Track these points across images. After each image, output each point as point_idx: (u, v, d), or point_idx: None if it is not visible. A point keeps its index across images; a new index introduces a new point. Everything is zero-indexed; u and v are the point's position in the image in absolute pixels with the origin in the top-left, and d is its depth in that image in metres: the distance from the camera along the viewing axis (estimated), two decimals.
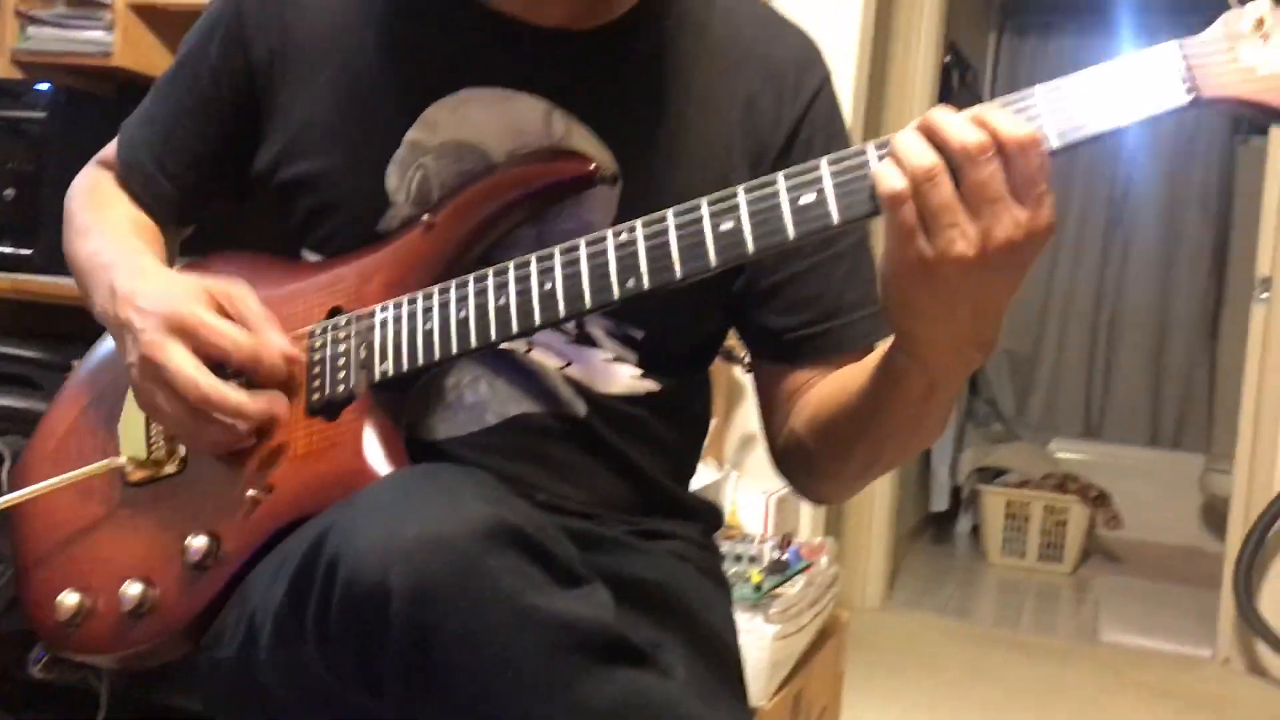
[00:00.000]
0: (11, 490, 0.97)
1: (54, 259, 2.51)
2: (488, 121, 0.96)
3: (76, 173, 2.41)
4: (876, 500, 3.37)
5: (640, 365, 0.99)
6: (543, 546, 0.69)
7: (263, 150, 1.01)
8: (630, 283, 0.82)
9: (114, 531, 0.93)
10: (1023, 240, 0.72)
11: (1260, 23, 0.72)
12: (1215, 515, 4.64)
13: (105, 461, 0.94)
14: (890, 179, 0.73)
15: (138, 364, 0.89)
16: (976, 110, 0.73)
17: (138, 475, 0.94)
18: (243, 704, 0.86)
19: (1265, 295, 3.18)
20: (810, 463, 0.99)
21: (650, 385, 0.99)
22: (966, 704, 2.75)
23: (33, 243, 2.52)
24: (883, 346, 0.87)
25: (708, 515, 1.08)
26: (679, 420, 1.04)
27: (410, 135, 0.96)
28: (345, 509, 0.72)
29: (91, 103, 2.63)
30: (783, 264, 0.99)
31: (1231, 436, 4.31)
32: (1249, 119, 0.76)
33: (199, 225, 1.16)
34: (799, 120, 1.00)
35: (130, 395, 0.97)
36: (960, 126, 0.72)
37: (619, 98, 0.97)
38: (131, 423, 0.95)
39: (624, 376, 0.98)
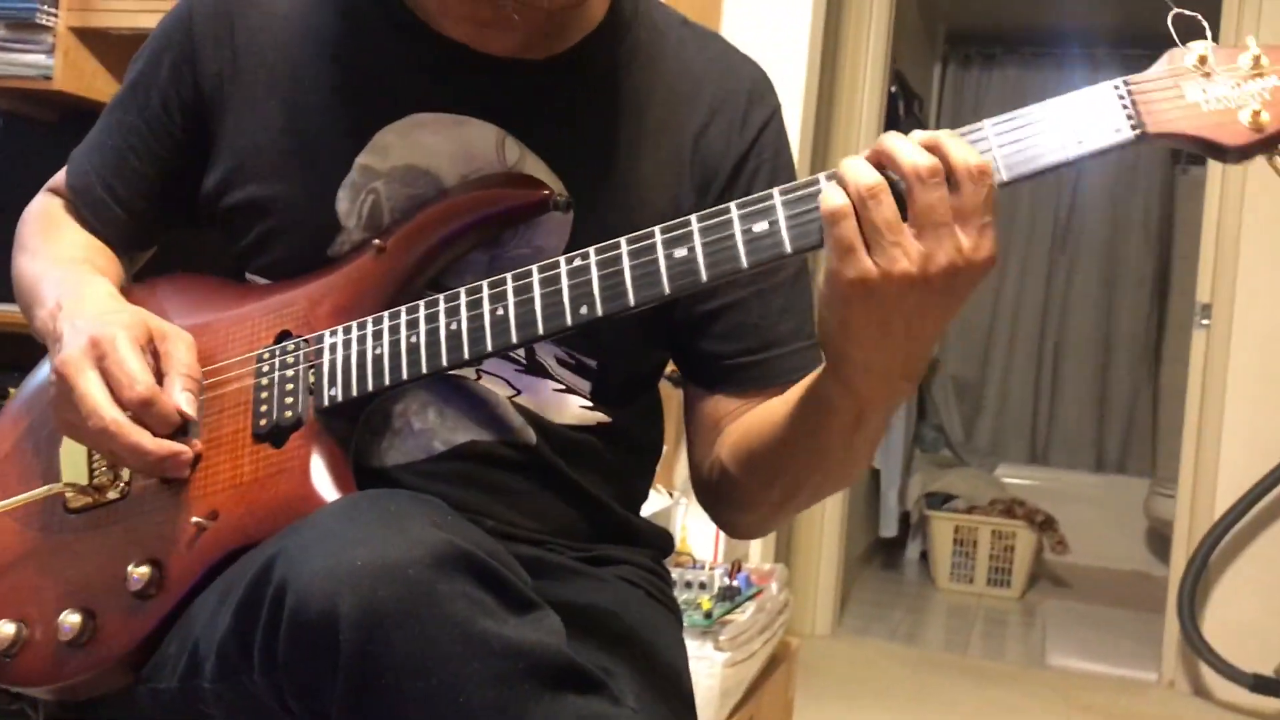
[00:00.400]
0: None
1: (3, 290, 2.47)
2: (439, 146, 0.95)
3: (16, 198, 2.36)
4: (826, 526, 3.38)
5: (591, 396, 0.98)
6: (494, 572, 0.69)
7: (210, 173, 0.99)
8: (584, 310, 0.81)
9: (53, 559, 0.91)
10: (963, 267, 0.73)
11: (1203, 60, 0.74)
12: (1160, 539, 4.71)
13: (45, 488, 0.92)
14: (832, 197, 0.74)
15: (54, 380, 0.87)
16: (931, 135, 0.74)
17: (79, 502, 0.92)
18: None
19: (1205, 322, 3.24)
20: (733, 492, 0.99)
21: (599, 416, 0.99)
22: None
23: None
24: (810, 377, 0.87)
25: (658, 541, 1.08)
26: (630, 448, 1.04)
27: (361, 159, 0.95)
28: (292, 535, 0.71)
29: (32, 127, 2.59)
30: (722, 290, 0.99)
31: (1175, 461, 4.38)
32: (1188, 153, 0.77)
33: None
34: (747, 151, 1.01)
35: None
36: (912, 150, 0.73)
37: (570, 127, 0.98)
38: (72, 447, 0.93)
39: (574, 406, 0.97)
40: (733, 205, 0.79)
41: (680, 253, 0.79)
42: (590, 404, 0.98)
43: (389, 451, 0.93)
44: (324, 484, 0.84)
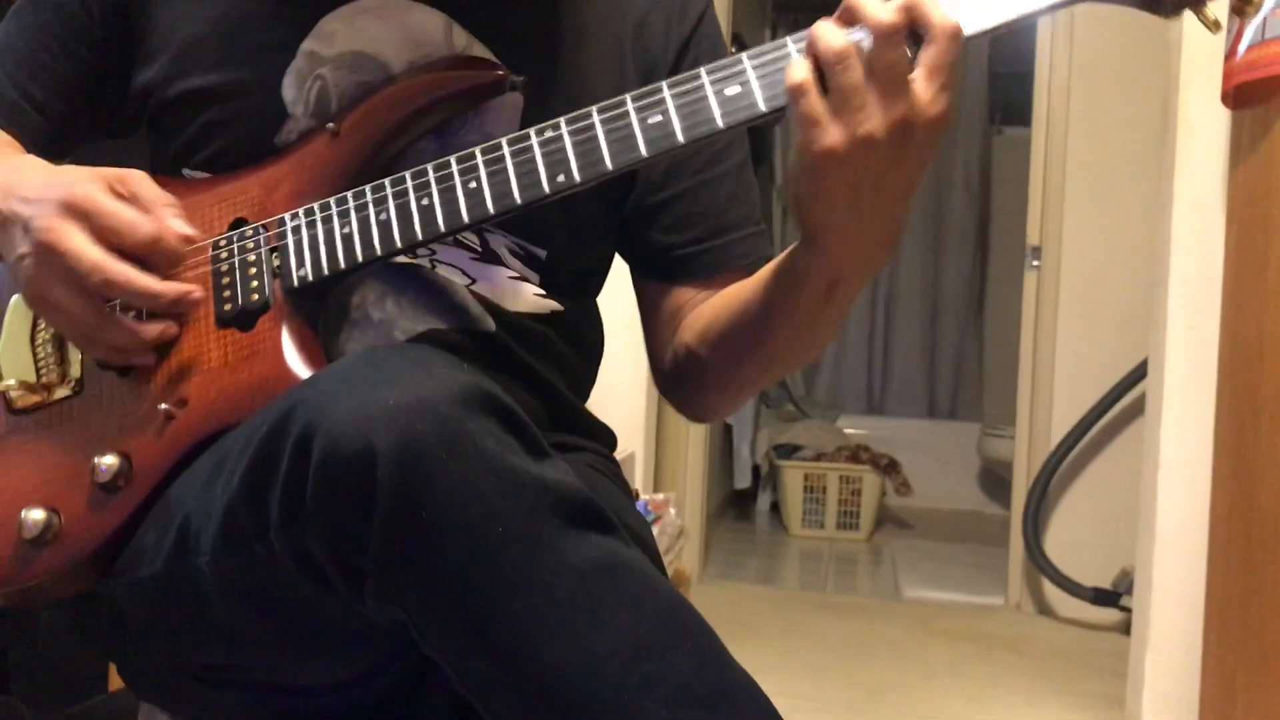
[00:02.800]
0: None
1: None
2: (386, 32, 0.94)
3: None
4: (689, 478, 3.44)
5: (542, 285, 0.99)
6: (516, 415, 0.69)
7: (144, 69, 0.96)
8: (560, 177, 0.82)
9: (6, 459, 0.86)
10: (918, 123, 0.75)
11: None
12: (992, 479, 4.97)
13: None
14: (796, 70, 0.76)
15: (32, 254, 0.82)
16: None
17: (27, 400, 0.88)
18: (166, 625, 0.82)
19: (1036, 263, 3.42)
20: (702, 373, 1.01)
21: (553, 304, 1.00)
22: (790, 661, 2.85)
23: None
24: (783, 253, 0.89)
25: (606, 435, 1.09)
26: (578, 342, 1.05)
27: (306, 46, 0.93)
28: (308, 388, 0.70)
29: None
30: (670, 181, 1.02)
31: (1001, 404, 4.61)
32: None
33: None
34: (686, 40, 1.03)
35: (9, 317, 0.90)
36: (879, 7, 0.75)
37: (515, 15, 0.98)
38: (14, 345, 0.89)
39: (528, 294, 0.98)
40: (703, 71, 0.81)
41: (655, 118, 0.81)
42: (543, 292, 0.99)
43: (348, 343, 0.92)
44: (298, 363, 0.83)
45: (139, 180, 0.87)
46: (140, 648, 0.86)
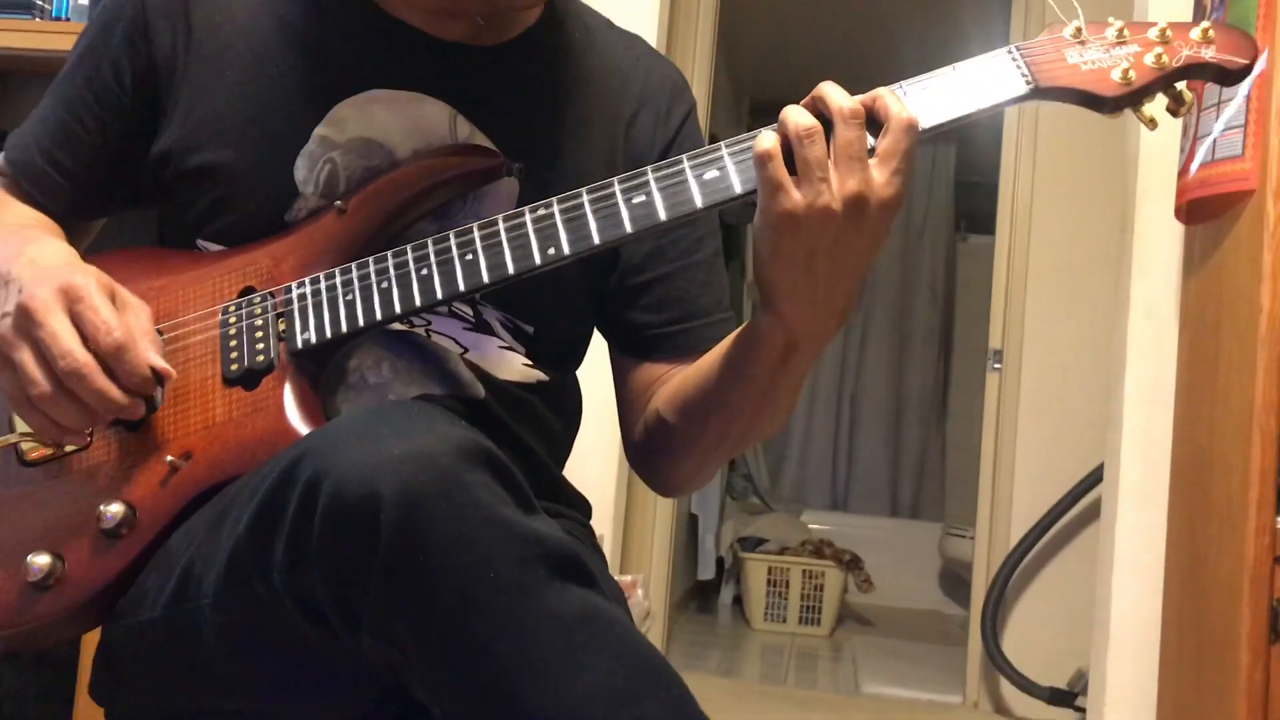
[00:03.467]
0: None
1: None
2: (394, 121, 1.01)
3: None
4: (655, 565, 3.47)
5: (529, 356, 1.05)
6: (509, 471, 0.74)
7: (163, 137, 1.01)
8: (551, 250, 0.88)
9: (15, 507, 0.90)
10: (872, 201, 0.82)
11: (1078, 31, 0.89)
12: (953, 579, 5.01)
13: (4, 437, 0.91)
14: (763, 140, 0.84)
15: (12, 314, 0.86)
16: (870, 93, 0.85)
17: (38, 453, 0.91)
18: (161, 668, 0.85)
19: (998, 365, 3.51)
20: (669, 440, 1.06)
21: (539, 374, 1.05)
22: None
23: None
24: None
25: (583, 505, 1.14)
26: (561, 411, 1.10)
27: (319, 130, 1.00)
28: (317, 437, 0.74)
29: None
30: (649, 265, 1.09)
31: (963, 504, 4.67)
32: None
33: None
34: (671, 140, 1.11)
35: None
36: (840, 95, 0.84)
37: (515, 109, 1.05)
38: None
39: (516, 363, 1.04)
40: (684, 157, 0.88)
41: (639, 198, 0.88)
42: (530, 363, 1.04)
43: (344, 405, 0.97)
44: (298, 419, 0.88)
45: (137, 310, 0.89)
46: (132, 692, 0.89)
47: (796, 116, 0.83)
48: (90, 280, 0.87)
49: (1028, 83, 0.87)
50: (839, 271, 0.86)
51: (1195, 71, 0.88)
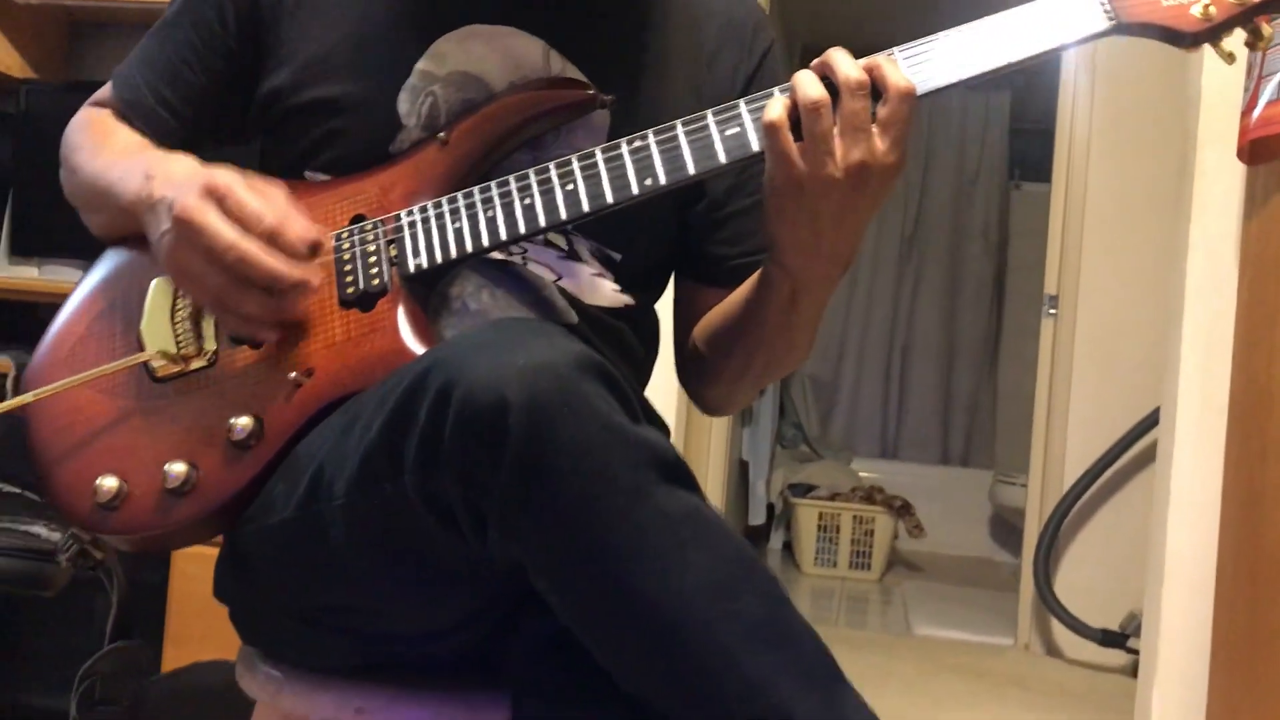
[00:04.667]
0: (17, 397, 0.99)
1: None
2: (491, 55, 1.05)
3: None
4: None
5: (617, 282, 1.10)
6: (619, 383, 0.79)
7: (273, 76, 1.07)
8: (648, 180, 0.93)
9: (147, 421, 0.96)
10: (874, 168, 0.88)
11: None
12: (1003, 527, 5.04)
13: (135, 356, 0.98)
14: (772, 109, 0.89)
15: (172, 228, 0.92)
16: (873, 57, 0.89)
17: (167, 370, 0.98)
18: (287, 568, 0.91)
19: (1053, 311, 3.52)
20: (702, 367, 1.16)
21: (627, 299, 1.10)
22: None
23: None
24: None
25: (664, 428, 1.19)
26: (644, 337, 1.16)
27: (420, 65, 1.05)
28: (445, 350, 0.80)
29: None
30: (731, 199, 1.14)
31: (1014, 452, 4.68)
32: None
33: None
34: (752, 75, 1.15)
35: (152, 296, 1.01)
36: (848, 64, 0.88)
37: (605, 43, 1.09)
38: (156, 321, 0.99)
39: (606, 289, 1.09)
40: (775, 89, 0.92)
41: (732, 129, 0.93)
42: (619, 288, 1.09)
43: (447, 330, 1.02)
44: (412, 339, 0.94)
45: (277, 188, 0.97)
46: (259, 591, 0.96)
47: (806, 88, 0.88)
48: (229, 175, 0.94)
49: (1110, 18, 0.90)
50: (841, 229, 0.92)
51: (1274, 5, 0.91)
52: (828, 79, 0.88)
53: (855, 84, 0.87)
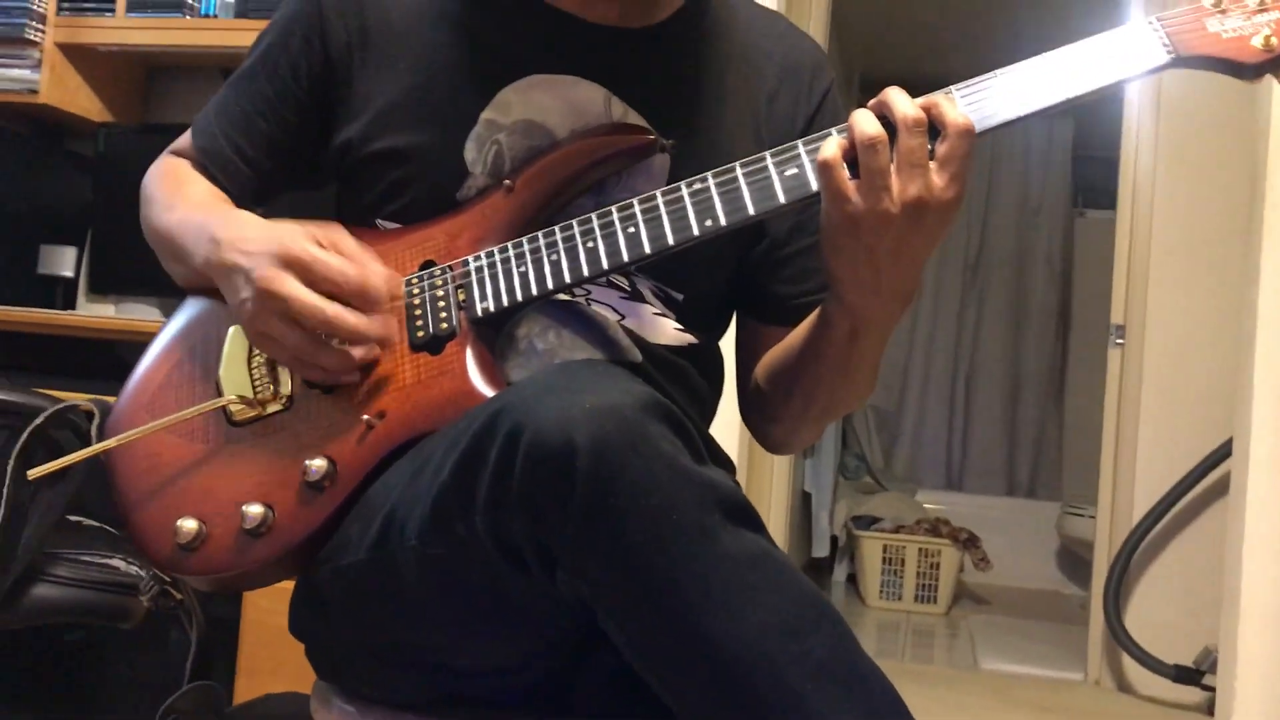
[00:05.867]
0: (101, 441, 1.03)
1: None
2: (553, 104, 1.08)
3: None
4: (773, 537, 3.51)
5: (679, 321, 1.11)
6: (684, 425, 0.80)
7: (345, 128, 1.10)
8: (709, 222, 0.95)
9: (225, 463, 1.00)
10: (931, 204, 0.88)
11: (1219, 1, 0.92)
12: (1070, 558, 4.96)
13: (216, 400, 1.01)
14: (826, 149, 0.90)
15: (253, 299, 0.96)
16: (932, 95, 0.90)
17: (244, 415, 1.01)
18: (365, 605, 0.93)
19: (1120, 341, 3.48)
20: (764, 405, 1.16)
21: (690, 337, 1.12)
22: None
23: None
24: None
25: (730, 466, 1.20)
26: (708, 374, 1.17)
27: (486, 114, 1.07)
28: (513, 394, 0.82)
29: (12, 139, 2.64)
30: (793, 239, 1.15)
31: (1081, 483, 4.61)
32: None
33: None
34: (814, 113, 1.16)
35: (229, 344, 1.04)
36: (905, 102, 0.89)
37: (664, 88, 1.11)
38: (234, 367, 1.03)
39: (669, 328, 1.10)
40: (833, 130, 0.93)
41: (791, 170, 0.94)
42: (681, 327, 1.11)
43: (514, 370, 1.04)
44: (480, 381, 0.96)
45: (340, 233, 1.01)
46: (332, 629, 0.98)
47: (864, 124, 0.88)
48: (301, 239, 0.98)
49: (1169, 52, 0.90)
50: (900, 264, 0.92)
51: None
52: (885, 118, 0.89)
53: (913, 121, 0.87)
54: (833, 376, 1.05)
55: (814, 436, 1.19)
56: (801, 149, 0.94)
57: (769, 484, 3.44)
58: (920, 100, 0.89)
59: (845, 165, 0.89)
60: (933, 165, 0.88)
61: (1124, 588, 3.35)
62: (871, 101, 0.90)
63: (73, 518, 1.55)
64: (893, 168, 0.87)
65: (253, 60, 1.16)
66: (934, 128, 0.88)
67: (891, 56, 5.31)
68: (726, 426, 1.20)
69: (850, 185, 0.88)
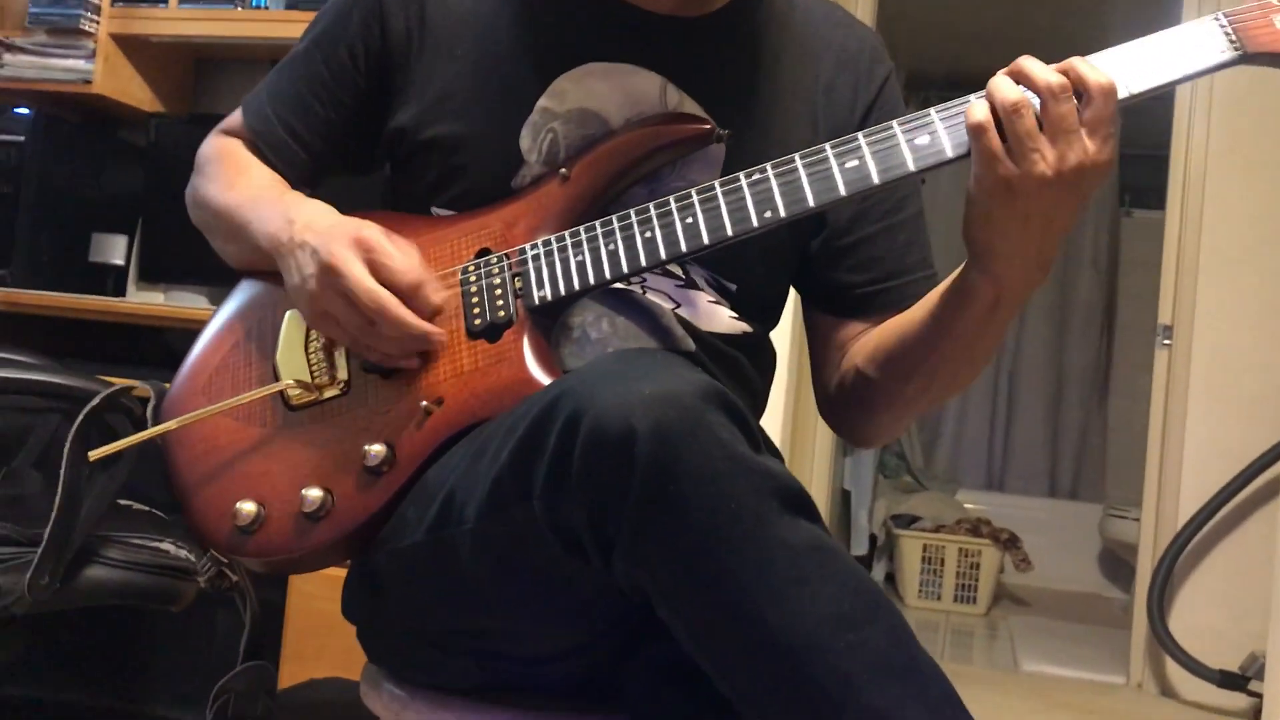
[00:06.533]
0: (157, 424, 1.04)
1: (29, 277, 2.53)
2: (609, 92, 1.08)
3: (50, 194, 2.51)
4: None
5: (734, 310, 1.11)
6: (742, 413, 0.80)
7: (400, 113, 1.10)
8: (768, 213, 0.94)
9: (283, 447, 1.00)
10: (1089, 167, 0.87)
11: None
12: (1113, 561, 4.91)
13: (274, 385, 1.02)
14: (976, 111, 0.88)
15: (317, 274, 0.97)
16: (1067, 61, 0.89)
17: (302, 399, 1.02)
18: (419, 590, 0.94)
19: (1167, 342, 3.44)
20: (869, 394, 1.11)
21: (744, 327, 1.11)
22: None
23: (6, 262, 2.54)
24: (951, 275, 1.01)
25: (779, 457, 1.19)
26: (760, 366, 1.16)
27: (542, 102, 1.07)
28: (573, 380, 0.82)
29: (61, 128, 2.67)
30: (855, 227, 1.14)
31: (1124, 485, 4.55)
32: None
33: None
34: (873, 101, 1.15)
35: (286, 329, 1.05)
36: (1045, 70, 0.88)
37: (721, 77, 1.11)
38: (291, 352, 1.03)
39: (723, 317, 1.10)
40: (894, 123, 0.93)
41: (851, 162, 0.93)
42: (736, 315, 1.10)
43: (570, 358, 1.04)
44: (537, 369, 0.96)
45: (410, 244, 1.03)
46: (386, 613, 0.99)
47: (1005, 90, 0.88)
48: (376, 231, 0.99)
49: (1235, 48, 0.89)
50: (1049, 231, 0.90)
51: None
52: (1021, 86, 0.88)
53: (1057, 87, 0.86)
54: (962, 353, 1.02)
55: (910, 424, 1.17)
56: (862, 140, 0.93)
57: (809, 481, 3.43)
58: (1057, 66, 0.88)
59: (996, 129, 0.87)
60: (1082, 130, 0.87)
61: (1168, 591, 3.31)
62: (1005, 70, 0.89)
63: (122, 501, 1.57)
64: (1044, 136, 0.86)
65: (308, 43, 1.16)
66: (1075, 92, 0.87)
67: (938, 53, 5.27)
68: (771, 419, 1.19)
69: (1002, 148, 0.87)
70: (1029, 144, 0.86)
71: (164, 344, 2.60)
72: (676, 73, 1.09)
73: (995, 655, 3.84)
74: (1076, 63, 0.88)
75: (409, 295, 0.98)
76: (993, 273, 0.94)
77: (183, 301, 2.62)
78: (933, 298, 1.03)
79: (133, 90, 2.66)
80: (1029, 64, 0.89)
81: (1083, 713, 3.10)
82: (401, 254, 0.99)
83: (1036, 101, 0.87)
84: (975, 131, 0.88)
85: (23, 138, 2.58)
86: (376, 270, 0.97)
